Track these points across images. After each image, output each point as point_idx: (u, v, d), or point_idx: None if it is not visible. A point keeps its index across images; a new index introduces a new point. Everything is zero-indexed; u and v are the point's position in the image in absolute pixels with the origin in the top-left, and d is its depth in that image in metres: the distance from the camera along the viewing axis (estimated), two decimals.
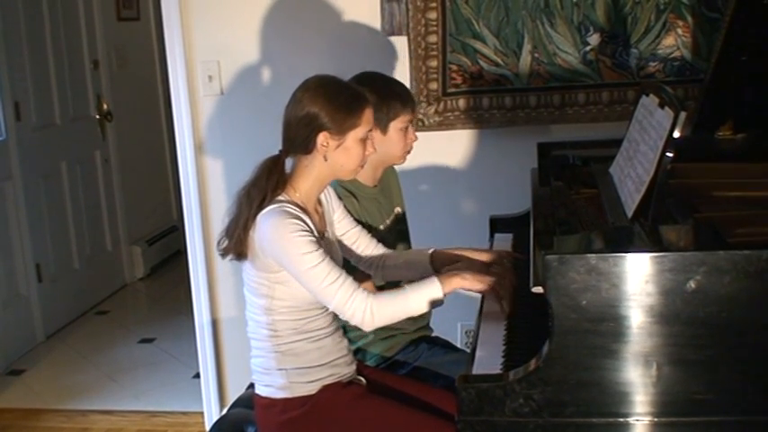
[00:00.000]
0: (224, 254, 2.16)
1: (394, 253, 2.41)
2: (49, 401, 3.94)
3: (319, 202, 2.25)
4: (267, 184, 2.10)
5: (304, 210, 2.12)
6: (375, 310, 2.04)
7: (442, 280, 2.08)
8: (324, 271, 2.03)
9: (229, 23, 3.28)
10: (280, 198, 2.11)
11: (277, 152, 2.16)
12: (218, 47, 3.30)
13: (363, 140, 2.14)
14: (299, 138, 2.11)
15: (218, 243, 2.18)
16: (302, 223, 2.05)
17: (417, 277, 2.25)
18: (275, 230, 2.04)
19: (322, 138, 2.09)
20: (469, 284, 2.11)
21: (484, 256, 2.31)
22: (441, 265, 2.31)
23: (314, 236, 2.06)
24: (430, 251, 2.37)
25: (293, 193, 2.14)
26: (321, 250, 2.05)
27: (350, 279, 2.06)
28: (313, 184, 2.16)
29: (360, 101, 2.13)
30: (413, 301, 2.06)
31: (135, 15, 5.75)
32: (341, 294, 2.03)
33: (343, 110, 2.10)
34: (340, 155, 2.12)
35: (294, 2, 3.24)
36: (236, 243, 2.10)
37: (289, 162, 2.17)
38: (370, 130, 2.17)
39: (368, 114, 2.14)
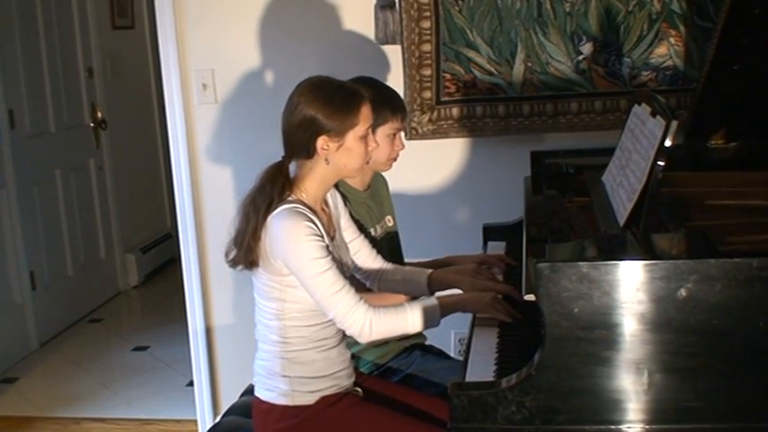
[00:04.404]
0: (233, 264, 2.14)
1: (393, 267, 2.41)
2: (43, 409, 3.93)
3: (325, 202, 2.24)
4: (273, 190, 2.09)
5: (313, 210, 2.11)
6: (374, 325, 2.05)
7: (442, 303, 2.13)
8: (330, 279, 2.03)
9: (224, 32, 3.29)
10: (290, 198, 2.10)
11: (279, 158, 2.15)
12: (213, 55, 3.31)
13: (364, 138, 2.13)
14: (298, 143, 2.11)
15: (227, 254, 2.16)
16: (314, 227, 2.05)
17: (412, 295, 2.34)
18: (288, 233, 2.03)
19: (321, 141, 2.08)
20: (469, 309, 2.20)
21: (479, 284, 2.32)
22: (438, 288, 2.36)
23: (324, 241, 2.06)
24: (428, 273, 2.38)
25: (300, 193, 2.13)
26: (330, 257, 2.05)
27: (353, 290, 2.06)
28: (319, 185, 2.16)
29: (355, 99, 2.12)
30: (411, 320, 2.08)
31: (129, 24, 5.76)
32: (343, 304, 2.03)
33: (339, 111, 2.08)
34: (342, 155, 2.11)
35: (288, 10, 3.25)
36: (246, 252, 2.09)
37: (292, 166, 2.16)
38: (370, 126, 2.15)
39: (365, 111, 2.13)
